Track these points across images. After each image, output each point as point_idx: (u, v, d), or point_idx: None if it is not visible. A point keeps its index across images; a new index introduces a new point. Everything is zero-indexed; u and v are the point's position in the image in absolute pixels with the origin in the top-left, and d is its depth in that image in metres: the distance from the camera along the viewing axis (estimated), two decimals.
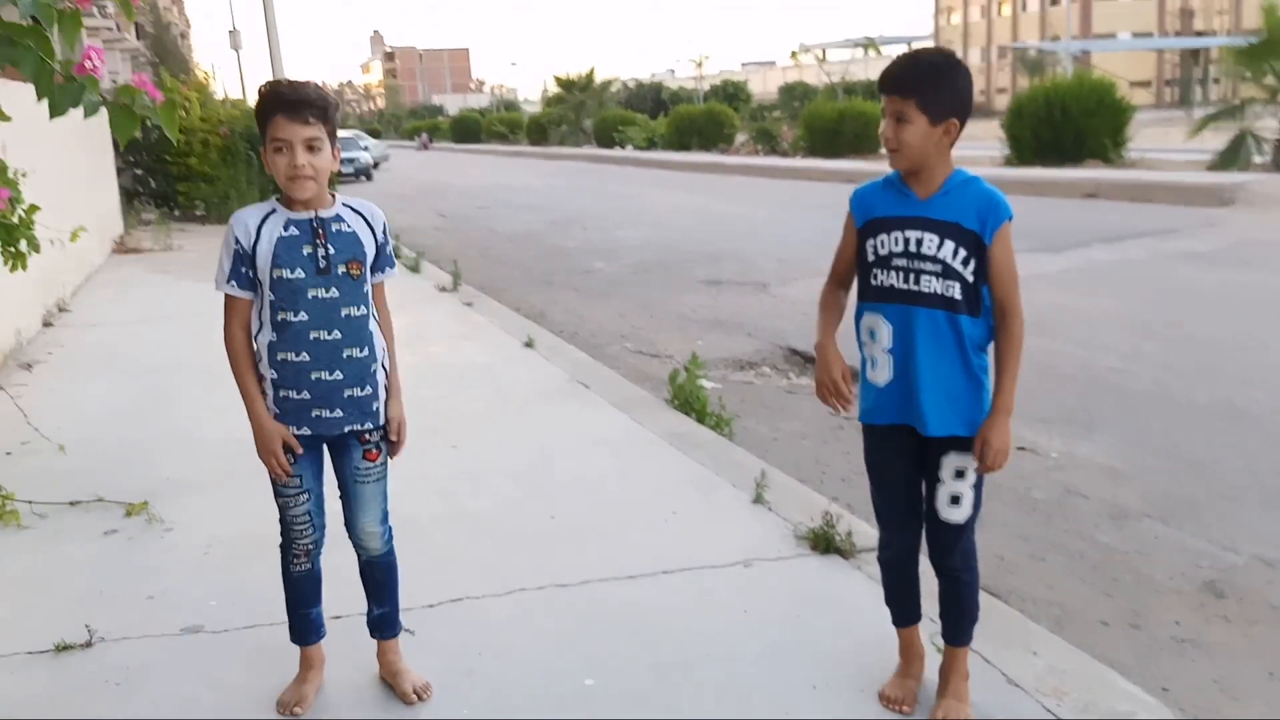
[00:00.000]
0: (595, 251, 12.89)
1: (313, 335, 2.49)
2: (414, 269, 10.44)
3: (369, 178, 30.82)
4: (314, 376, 2.52)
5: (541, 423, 5.27)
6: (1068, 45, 40.69)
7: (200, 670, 2.93)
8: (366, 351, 2.57)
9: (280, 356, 2.50)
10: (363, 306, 2.56)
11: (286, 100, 2.42)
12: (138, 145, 15.77)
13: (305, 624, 2.77)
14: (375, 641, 2.84)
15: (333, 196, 2.57)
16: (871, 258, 2.46)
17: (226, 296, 2.52)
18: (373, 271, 2.59)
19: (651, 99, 58.66)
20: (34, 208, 5.11)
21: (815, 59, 36.76)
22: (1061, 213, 14.57)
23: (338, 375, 2.53)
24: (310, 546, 2.70)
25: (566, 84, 51.16)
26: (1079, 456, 5.00)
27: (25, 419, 4.79)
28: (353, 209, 2.58)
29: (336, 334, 2.51)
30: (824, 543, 3.57)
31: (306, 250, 2.48)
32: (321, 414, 2.55)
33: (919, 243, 2.37)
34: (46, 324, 7.78)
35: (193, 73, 23.30)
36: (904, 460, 2.55)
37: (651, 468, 4.57)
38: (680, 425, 5.17)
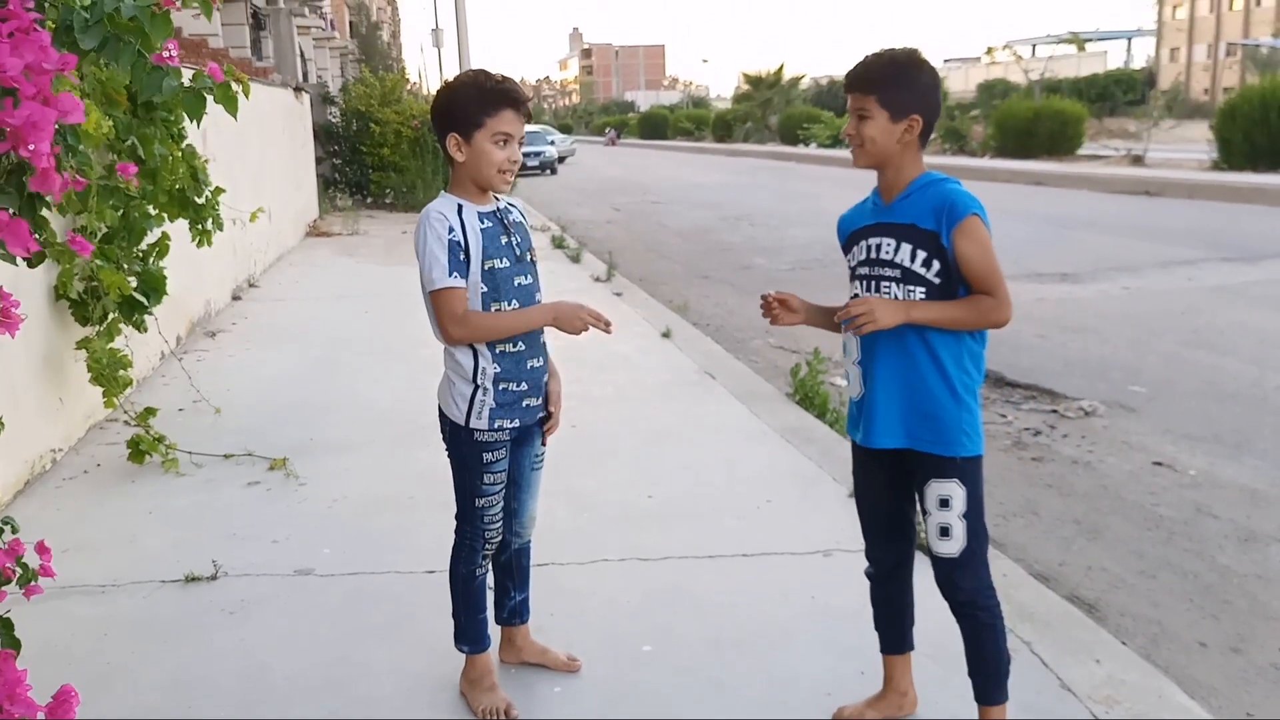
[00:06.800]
0: (759, 249, 12.93)
1: None
2: (575, 259, 10.80)
3: (553, 171, 31.49)
4: (530, 365, 2.50)
5: (662, 410, 5.42)
6: None
7: (304, 606, 3.25)
8: (543, 335, 2.56)
9: (500, 349, 2.45)
10: (540, 290, 2.56)
11: (517, 96, 2.41)
12: (338, 137, 16.93)
13: (483, 629, 2.67)
14: (501, 629, 2.80)
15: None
16: (849, 272, 2.43)
17: (438, 294, 2.37)
18: None
19: (844, 96, 57.64)
20: (219, 190, 5.65)
21: (1012, 55, 34.96)
22: (1266, 222, 13.56)
23: (540, 361, 2.53)
24: (496, 546, 2.65)
25: (755, 80, 51.13)
26: (1220, 476, 4.73)
27: (190, 381, 5.31)
28: (508, 202, 2.58)
29: None
30: None
31: (503, 240, 2.45)
32: (530, 403, 2.53)
33: (878, 248, 2.31)
34: (235, 297, 8.51)
35: (396, 69, 24.78)
36: (880, 480, 2.46)
37: (757, 458, 4.63)
38: (797, 420, 5.21)
